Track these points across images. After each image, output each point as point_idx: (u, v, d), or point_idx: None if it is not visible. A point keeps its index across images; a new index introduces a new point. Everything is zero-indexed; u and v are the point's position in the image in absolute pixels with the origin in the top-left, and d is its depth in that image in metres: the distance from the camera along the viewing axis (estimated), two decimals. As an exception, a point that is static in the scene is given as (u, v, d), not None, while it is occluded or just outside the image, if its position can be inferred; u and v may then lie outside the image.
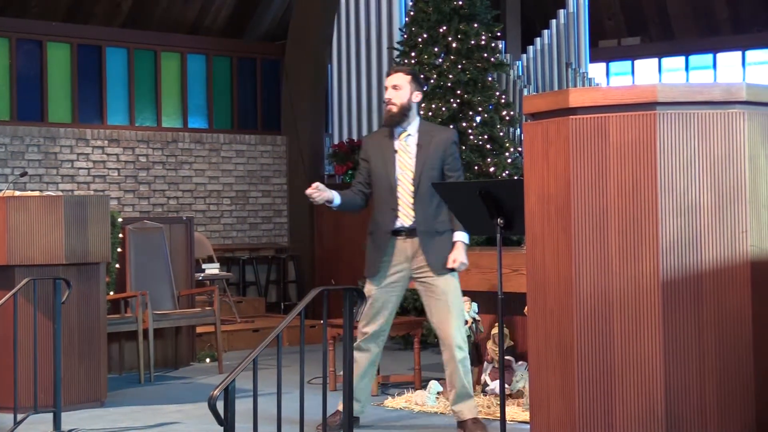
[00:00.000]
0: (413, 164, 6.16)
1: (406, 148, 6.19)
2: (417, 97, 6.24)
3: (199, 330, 9.56)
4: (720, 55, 14.70)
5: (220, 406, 3.76)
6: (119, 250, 8.75)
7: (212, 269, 10.95)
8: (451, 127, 8.76)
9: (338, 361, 6.00)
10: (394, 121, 6.20)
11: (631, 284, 3.63)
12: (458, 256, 6.13)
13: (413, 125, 6.24)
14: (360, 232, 11.67)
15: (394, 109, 6.18)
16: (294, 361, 6.28)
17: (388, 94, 6.22)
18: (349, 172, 12.65)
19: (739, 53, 14.58)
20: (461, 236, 6.17)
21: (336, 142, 12.94)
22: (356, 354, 6.19)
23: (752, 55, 14.64)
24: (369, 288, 6.28)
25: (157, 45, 13.00)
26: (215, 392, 3.75)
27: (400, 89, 6.19)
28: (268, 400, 4.95)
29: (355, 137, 12.72)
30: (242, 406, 4.58)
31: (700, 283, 3.60)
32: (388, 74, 6.35)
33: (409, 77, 6.23)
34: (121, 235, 8.77)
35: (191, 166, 12.93)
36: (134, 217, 10.25)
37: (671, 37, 14.85)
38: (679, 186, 3.62)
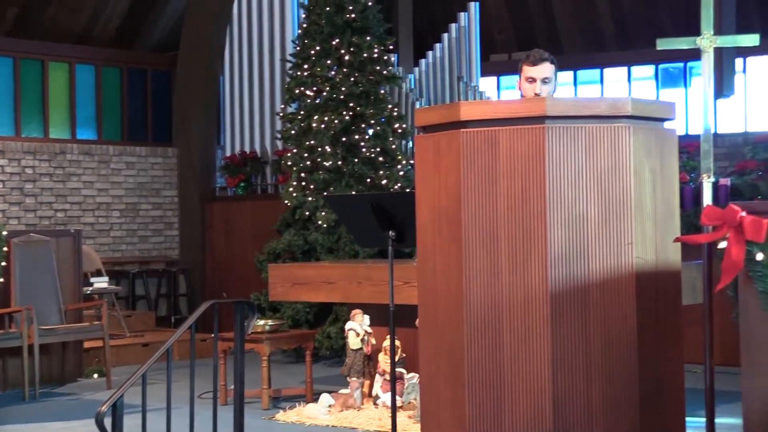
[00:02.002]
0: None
1: None
2: (556, 88, 5.36)
3: (86, 345, 9.39)
4: (607, 70, 15.01)
5: (108, 422, 3.68)
6: (3, 264, 8.54)
7: (101, 283, 10.76)
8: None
9: (229, 375, 5.94)
10: None
11: (520, 295, 3.68)
12: None
13: None
14: (251, 245, 11.66)
15: None
16: (184, 376, 6.20)
17: (537, 88, 5.21)
18: (241, 184, 12.57)
19: (625, 69, 14.91)
20: None
21: (228, 154, 12.85)
22: None
23: (637, 70, 14.98)
24: None
25: (45, 55, 12.74)
26: (103, 408, 3.68)
27: (549, 83, 5.25)
28: (158, 415, 4.87)
29: (247, 149, 12.65)
30: (131, 422, 4.50)
31: (587, 294, 3.66)
32: (533, 62, 5.25)
33: (553, 67, 5.30)
34: (5, 249, 8.57)
35: (80, 178, 12.69)
36: (20, 231, 10.02)
37: (560, 52, 15.09)
38: (567, 198, 3.68)
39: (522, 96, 5.24)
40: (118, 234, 12.97)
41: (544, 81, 5.20)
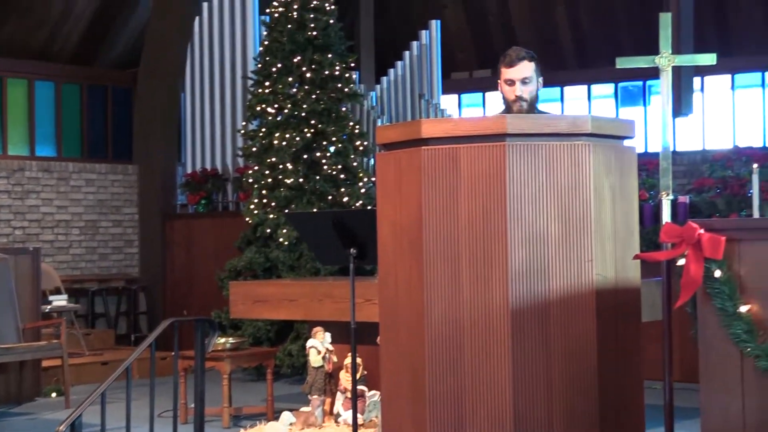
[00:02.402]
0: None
1: None
2: (541, 84, 5.07)
3: (45, 364, 9.30)
4: (567, 89, 15.13)
5: (65, 441, 3.65)
6: (-39, 281, 8.44)
7: (60, 301, 10.66)
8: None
9: (190, 393, 5.91)
10: None
11: (481, 312, 3.68)
12: None
13: None
14: (212, 263, 11.61)
15: (526, 106, 4.97)
16: (144, 395, 6.15)
17: (518, 90, 4.95)
18: (202, 201, 12.52)
19: (585, 87, 15.03)
20: None
21: (189, 171, 12.79)
22: None
23: (597, 88, 15.11)
24: None
25: (4, 71, 12.65)
26: (61, 428, 3.64)
27: (530, 82, 4.96)
28: (117, 434, 4.83)
29: (208, 166, 12.60)
30: (89, 442, 4.46)
31: (548, 311, 3.68)
32: (510, 63, 4.96)
33: (533, 64, 4.98)
34: (-38, 266, 8.47)
35: (39, 195, 12.58)
36: (-23, 248, 9.91)
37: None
38: (527, 216, 3.69)
39: (504, 99, 4.99)
40: (78, 251, 12.86)
41: (524, 81, 4.93)
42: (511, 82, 4.93)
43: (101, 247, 13.06)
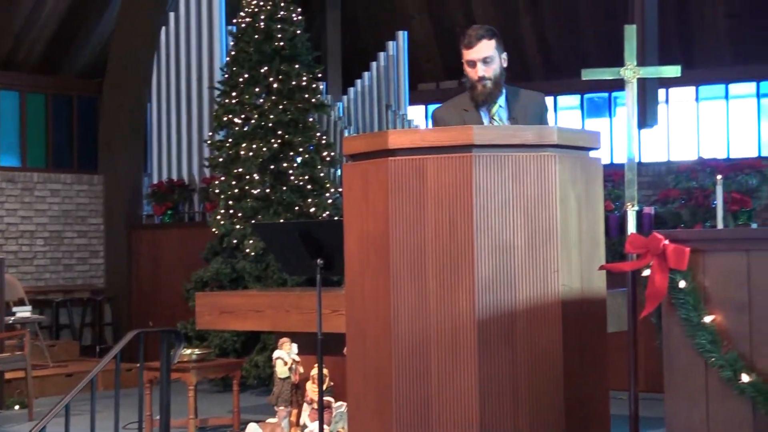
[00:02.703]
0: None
1: (500, 123, 4.96)
2: (505, 60, 4.95)
3: (8, 376, 9.21)
4: (533, 100, 15.18)
5: (29, 454, 3.61)
6: (-77, 292, 8.35)
7: (24, 312, 10.56)
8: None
9: (155, 405, 5.87)
10: (492, 99, 4.92)
11: (448, 323, 3.69)
12: None
13: (503, 94, 5.00)
14: (178, 273, 11.55)
15: (490, 85, 4.87)
16: (109, 406, 6.10)
17: (480, 71, 4.86)
18: (168, 212, 12.46)
19: (551, 98, 15.11)
20: None
21: (155, 181, 12.74)
22: None
23: (563, 100, 15.19)
24: None
25: (-33, 80, 12.56)
26: (24, 440, 3.61)
27: (492, 61, 4.86)
28: (81, 447, 4.79)
29: (174, 177, 12.55)
30: (53, 454, 4.42)
31: (514, 321, 3.69)
32: (469, 44, 4.87)
33: (494, 41, 4.88)
34: (-75, 277, 8.38)
35: (2, 205, 12.48)
36: (-60, 259, 9.81)
37: (487, 82, 15.22)
38: (494, 226, 3.70)
39: (468, 81, 4.91)
40: (42, 262, 12.76)
41: (485, 61, 4.84)
42: (472, 63, 4.86)
43: (66, 258, 12.96)
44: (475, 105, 4.92)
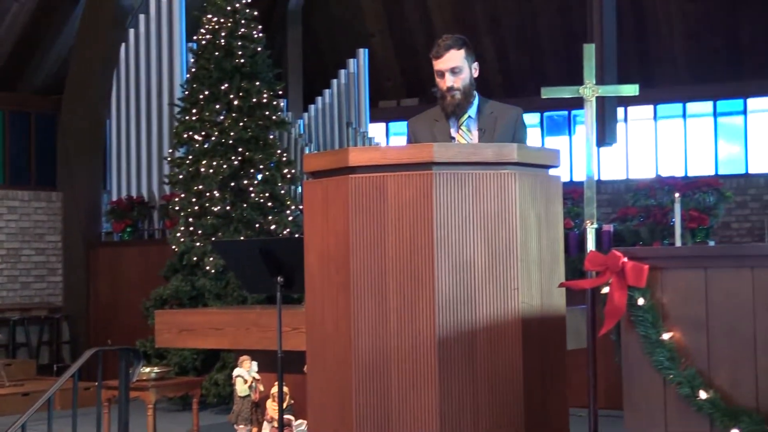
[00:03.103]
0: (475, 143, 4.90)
1: (467, 134, 4.93)
2: (476, 70, 4.93)
3: (-36, 395, 9.09)
4: (493, 118, 15.25)
5: (-16, 475, 3.57)
6: None
7: (-20, 330, 10.45)
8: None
9: (114, 424, 5.82)
10: (461, 109, 4.88)
11: (409, 340, 3.69)
12: None
13: (473, 105, 4.96)
14: (138, 291, 11.47)
15: (459, 96, 4.84)
16: (66, 426, 6.03)
17: (448, 81, 4.83)
18: (128, 229, 12.39)
19: (512, 116, 15.17)
20: None
21: (114, 198, 12.66)
22: None
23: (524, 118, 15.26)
24: None
25: (-76, 96, 12.43)
26: (-21, 461, 3.56)
27: (460, 71, 4.84)
28: (38, 467, 4.74)
29: (134, 194, 12.48)
30: (9, 475, 4.37)
31: (474, 338, 3.69)
32: (437, 54, 4.85)
33: (463, 51, 4.85)
34: None
35: (-41, 222, 12.36)
36: None
37: (447, 100, 15.29)
38: (454, 244, 3.71)
39: (438, 91, 4.87)
40: (-1, 280, 12.64)
41: (453, 72, 4.80)
42: (441, 74, 4.83)
43: (23, 276, 12.84)
44: (445, 115, 4.90)
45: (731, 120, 14.73)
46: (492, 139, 4.81)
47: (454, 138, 4.89)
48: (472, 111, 4.91)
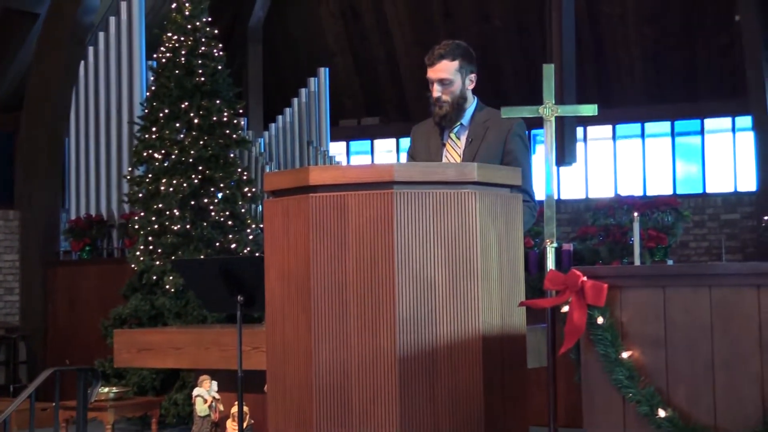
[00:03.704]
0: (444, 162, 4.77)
1: (456, 142, 4.86)
2: (472, 81, 4.84)
3: None
4: (454, 137, 15.32)
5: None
6: None
7: (-65, 350, 10.31)
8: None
9: (71, 445, 5.76)
10: (449, 120, 4.82)
11: (369, 359, 3.68)
12: None
13: (468, 113, 4.88)
14: (96, 310, 11.38)
15: (446, 107, 4.79)
16: (23, 447, 5.98)
17: (436, 92, 4.78)
18: (86, 248, 12.29)
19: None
20: None
21: (73, 217, 12.56)
22: None
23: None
24: None
25: None
26: (-66, 483, 3.51)
27: (450, 84, 4.77)
28: (-6, 489, 4.68)
29: (93, 212, 12.39)
30: (-35, 497, 4.31)
31: (435, 357, 3.69)
32: (430, 62, 4.76)
33: (456, 63, 4.75)
34: None
35: None
36: None
37: (409, 119, 15.36)
38: (415, 263, 3.71)
39: (431, 97, 4.81)
40: (-45, 299, 12.49)
41: (442, 83, 4.73)
42: (431, 82, 4.76)
43: (-21, 295, 12.70)
44: (435, 123, 4.85)
45: (688, 140, 14.88)
46: (477, 149, 4.76)
47: (444, 145, 4.83)
48: (465, 119, 4.84)
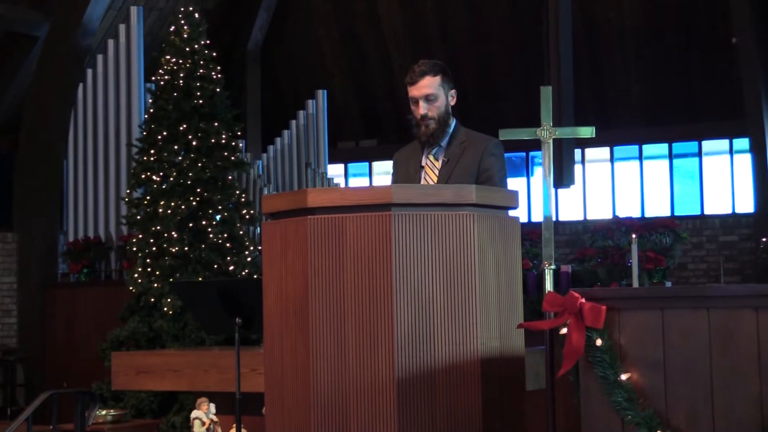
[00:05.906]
0: (434, 184, 4.74)
1: (433, 163, 4.80)
2: (453, 98, 4.81)
3: None
4: (452, 159, 15.33)
5: None
6: None
7: (-68, 373, 10.29)
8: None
9: (68, 468, 5.74)
10: (436, 139, 4.77)
11: (368, 380, 3.68)
12: None
13: (447, 134, 4.83)
14: (94, 333, 11.36)
15: (433, 125, 4.74)
16: (20, 470, 5.95)
17: (423, 109, 4.72)
18: (84, 270, 12.28)
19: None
20: None
21: (71, 239, 12.56)
22: None
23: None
24: None
25: None
26: (-70, 506, 3.50)
27: (435, 99, 4.73)
28: None
29: (91, 234, 12.39)
30: None
31: (434, 378, 3.69)
32: (411, 81, 4.74)
33: (439, 78, 4.73)
34: None
35: None
36: None
37: (406, 141, 15.39)
38: (413, 285, 3.71)
39: (413, 119, 4.78)
40: (-47, 322, 12.47)
41: (428, 99, 4.69)
42: (415, 101, 4.73)
43: (-23, 317, 12.68)
44: (420, 144, 4.81)
45: (686, 162, 14.90)
46: (452, 169, 4.71)
47: (423, 167, 4.79)
48: (444, 140, 4.79)
